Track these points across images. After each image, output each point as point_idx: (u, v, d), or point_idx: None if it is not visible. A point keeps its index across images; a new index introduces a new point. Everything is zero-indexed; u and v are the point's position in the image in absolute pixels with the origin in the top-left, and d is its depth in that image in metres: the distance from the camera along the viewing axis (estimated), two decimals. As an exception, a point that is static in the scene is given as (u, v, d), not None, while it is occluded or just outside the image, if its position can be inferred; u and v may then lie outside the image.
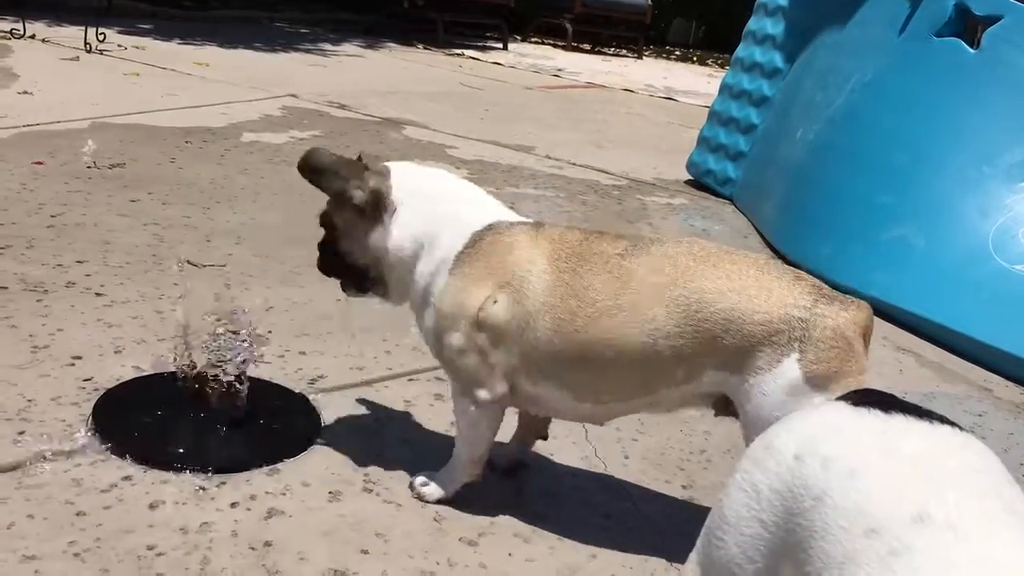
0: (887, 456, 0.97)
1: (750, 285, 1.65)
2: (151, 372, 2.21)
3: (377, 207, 1.83)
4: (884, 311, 3.48)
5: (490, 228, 1.81)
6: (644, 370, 1.70)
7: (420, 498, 1.90)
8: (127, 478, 1.83)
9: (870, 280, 3.56)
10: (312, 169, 1.83)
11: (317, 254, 1.96)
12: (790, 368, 1.60)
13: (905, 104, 3.84)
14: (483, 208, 1.88)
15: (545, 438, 2.10)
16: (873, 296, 3.51)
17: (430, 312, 1.82)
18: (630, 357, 1.69)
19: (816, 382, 1.60)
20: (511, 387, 1.81)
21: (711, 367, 1.67)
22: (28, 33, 7.07)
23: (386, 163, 1.90)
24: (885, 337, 3.31)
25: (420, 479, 1.93)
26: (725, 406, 1.74)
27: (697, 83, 10.80)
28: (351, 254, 1.89)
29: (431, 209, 1.85)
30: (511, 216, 1.88)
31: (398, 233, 1.84)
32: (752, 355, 1.63)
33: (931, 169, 3.64)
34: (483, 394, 1.81)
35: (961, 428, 1.02)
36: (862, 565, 0.88)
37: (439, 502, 1.90)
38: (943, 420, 1.02)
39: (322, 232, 1.93)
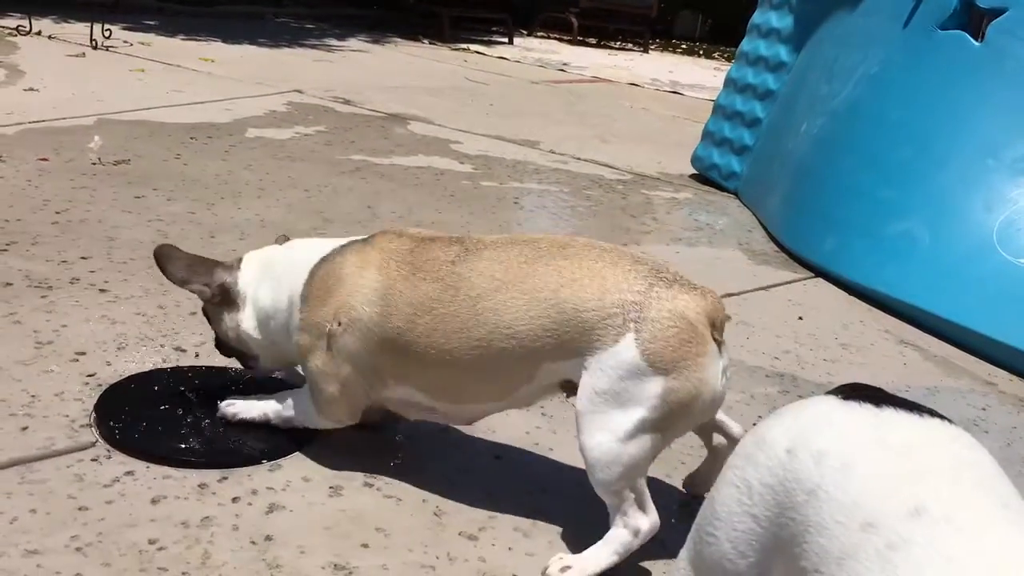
0: (880, 449, 0.97)
1: (583, 276, 1.68)
2: (154, 368, 2.23)
3: (227, 298, 2.00)
4: (888, 305, 3.48)
5: (323, 260, 1.90)
6: (489, 372, 1.75)
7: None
8: (129, 473, 1.84)
9: (874, 274, 3.56)
10: (165, 274, 2.01)
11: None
12: (627, 347, 1.62)
13: (909, 97, 3.83)
14: (314, 248, 1.96)
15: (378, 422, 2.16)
16: (878, 290, 3.51)
17: (297, 346, 1.91)
18: (473, 362, 1.73)
19: (654, 360, 1.61)
20: (381, 393, 1.89)
21: (553, 359, 1.70)
22: (35, 30, 7.10)
23: (248, 253, 2.06)
24: (888, 331, 3.30)
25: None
26: (572, 389, 1.76)
27: (703, 77, 10.78)
28: (225, 337, 2.06)
29: (271, 277, 1.98)
30: (343, 241, 1.95)
31: (249, 311, 1.99)
32: (590, 340, 1.65)
33: (935, 163, 3.62)
34: (325, 422, 1.95)
35: (951, 421, 1.02)
36: (860, 560, 0.88)
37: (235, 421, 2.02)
38: (932, 413, 1.02)
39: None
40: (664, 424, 1.65)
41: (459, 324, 1.72)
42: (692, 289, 1.67)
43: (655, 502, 1.77)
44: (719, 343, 1.67)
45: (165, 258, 1.99)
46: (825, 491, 0.95)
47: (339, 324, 1.81)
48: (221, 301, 2.00)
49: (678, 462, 2.19)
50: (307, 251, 1.96)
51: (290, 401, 2.00)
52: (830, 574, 0.90)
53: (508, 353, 1.71)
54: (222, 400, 2.05)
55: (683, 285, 1.68)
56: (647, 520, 1.72)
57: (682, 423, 1.69)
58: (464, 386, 1.80)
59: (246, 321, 1.99)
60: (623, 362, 1.62)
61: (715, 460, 1.98)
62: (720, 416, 1.89)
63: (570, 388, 1.77)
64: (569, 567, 1.70)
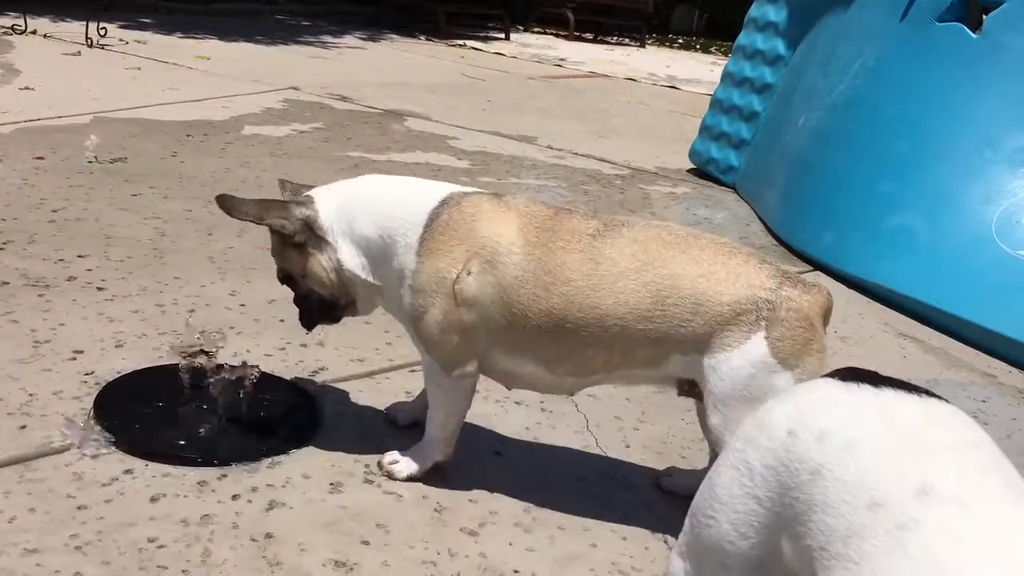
0: (884, 429, 0.97)
1: (718, 269, 1.71)
2: (152, 365, 2.22)
3: (313, 233, 1.86)
4: (887, 298, 3.48)
5: (445, 202, 1.82)
6: (616, 349, 1.74)
7: (390, 476, 1.93)
8: (128, 471, 1.83)
9: (873, 267, 3.56)
10: (235, 214, 1.86)
11: (298, 316, 2.03)
12: (757, 344, 1.66)
13: (907, 90, 3.82)
14: (422, 190, 1.89)
15: None
16: (877, 283, 3.51)
17: (407, 296, 1.82)
18: (603, 337, 1.73)
19: (781, 357, 1.66)
20: (487, 361, 1.84)
21: (679, 351, 1.71)
22: (30, 29, 7.07)
23: (309, 191, 1.93)
24: (887, 324, 3.30)
25: (389, 457, 1.95)
26: (691, 387, 1.79)
27: (700, 71, 10.77)
28: (318, 291, 1.93)
29: (372, 209, 1.86)
30: (462, 188, 1.89)
31: (347, 246, 1.86)
32: (721, 335, 1.68)
33: (934, 155, 3.62)
34: (458, 372, 1.84)
35: (948, 401, 1.03)
36: (868, 538, 0.88)
37: (409, 479, 1.92)
38: (930, 394, 1.03)
39: (289, 291, 1.99)
40: None
41: (597, 300, 1.71)
42: (812, 288, 1.72)
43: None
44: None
45: (229, 200, 1.84)
46: (829, 470, 0.95)
47: (468, 273, 1.74)
48: (306, 240, 1.86)
49: (678, 456, 2.19)
50: (412, 191, 1.88)
51: (432, 401, 1.91)
52: (836, 552, 0.90)
53: (641, 335, 1.70)
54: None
55: (805, 285, 1.72)
56: None
57: None
58: (588, 359, 1.77)
59: (349, 259, 1.85)
60: (754, 359, 1.66)
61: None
62: None
63: (687, 387, 1.78)
64: None
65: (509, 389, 1.98)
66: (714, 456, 1.81)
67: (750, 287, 1.68)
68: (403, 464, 1.93)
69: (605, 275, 1.71)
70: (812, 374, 1.65)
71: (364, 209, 1.86)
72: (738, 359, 1.66)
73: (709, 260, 1.72)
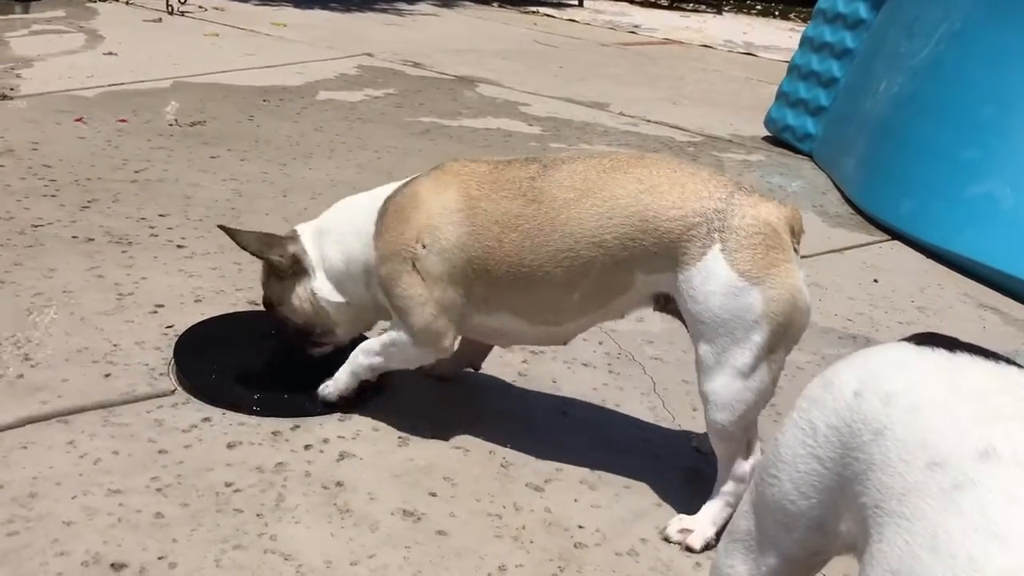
0: (950, 392, 0.95)
1: (661, 183, 1.66)
2: (229, 314, 2.29)
3: (300, 266, 1.96)
4: (968, 268, 3.38)
5: (388, 199, 1.88)
6: (581, 285, 1.73)
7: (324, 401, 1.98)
8: (206, 419, 1.90)
9: (954, 237, 3.46)
10: (237, 242, 1.97)
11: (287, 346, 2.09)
12: (715, 261, 1.60)
13: (994, 53, 3.68)
14: (371, 195, 1.95)
15: (477, 368, 2.15)
16: (957, 253, 3.42)
17: (380, 294, 1.88)
18: (563, 275, 1.72)
19: (742, 270, 1.58)
20: (470, 323, 1.86)
21: (645, 271, 1.68)
22: (113, -4, 7.24)
23: (299, 225, 2.03)
24: (967, 294, 3.21)
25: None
26: (666, 303, 1.75)
27: (779, 38, 10.52)
28: (291, 319, 2.00)
29: (336, 230, 1.96)
30: (403, 180, 1.92)
31: (320, 273, 1.96)
32: (676, 253, 1.63)
33: (1019, 121, 3.49)
34: (421, 351, 1.87)
35: None
36: (924, 497, 0.86)
37: (339, 400, 1.97)
38: (1009, 361, 1.00)
39: (274, 321, 2.06)
40: (774, 343, 1.62)
41: (544, 237, 1.71)
42: (772, 200, 1.66)
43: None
44: (797, 252, 1.65)
45: (233, 232, 1.96)
46: (892, 431, 0.94)
47: (423, 246, 1.78)
48: (293, 273, 1.96)
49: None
50: (365, 199, 1.96)
51: (374, 345, 1.93)
52: (890, 509, 0.89)
53: (597, 263, 1.69)
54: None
55: (763, 195, 1.66)
56: (749, 463, 1.72)
57: (786, 341, 1.65)
58: (557, 302, 1.77)
59: (321, 287, 1.95)
60: (715, 278, 1.60)
61: None
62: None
63: (666, 302, 1.75)
64: (689, 530, 1.71)
65: (504, 347, 1.98)
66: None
67: (698, 198, 1.62)
68: (330, 388, 1.98)
69: (547, 212, 1.71)
70: (786, 291, 1.58)
71: (331, 232, 1.97)
72: (698, 279, 1.61)
73: (652, 176, 1.67)
